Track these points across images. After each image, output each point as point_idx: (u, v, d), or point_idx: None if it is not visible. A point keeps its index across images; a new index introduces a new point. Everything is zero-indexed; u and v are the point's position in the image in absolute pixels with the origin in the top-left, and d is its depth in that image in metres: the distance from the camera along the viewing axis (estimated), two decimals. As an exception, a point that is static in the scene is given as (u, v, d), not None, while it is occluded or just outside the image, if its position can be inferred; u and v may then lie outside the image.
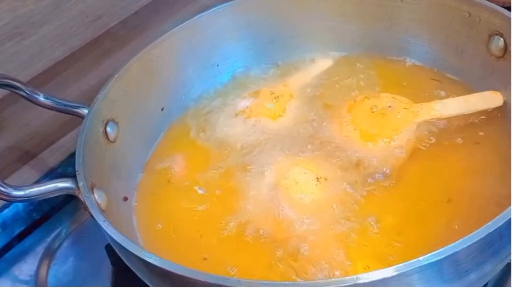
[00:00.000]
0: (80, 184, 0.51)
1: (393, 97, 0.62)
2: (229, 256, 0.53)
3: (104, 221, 0.48)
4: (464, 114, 0.60)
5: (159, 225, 0.57)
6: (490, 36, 0.61)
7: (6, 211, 0.67)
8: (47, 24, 0.64)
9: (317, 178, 0.56)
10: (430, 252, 0.39)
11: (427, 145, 0.59)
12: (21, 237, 0.68)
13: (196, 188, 0.60)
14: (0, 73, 0.59)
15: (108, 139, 0.60)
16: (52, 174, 0.70)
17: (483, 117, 0.60)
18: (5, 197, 0.51)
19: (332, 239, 0.52)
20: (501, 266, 0.47)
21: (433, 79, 0.66)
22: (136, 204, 0.60)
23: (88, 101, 0.60)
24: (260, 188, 0.57)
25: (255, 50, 0.73)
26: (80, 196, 0.51)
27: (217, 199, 0.58)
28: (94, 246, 0.63)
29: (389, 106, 0.61)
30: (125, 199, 0.59)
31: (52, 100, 0.60)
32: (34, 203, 0.69)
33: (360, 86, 0.67)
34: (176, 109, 0.69)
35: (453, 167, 0.57)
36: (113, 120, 0.61)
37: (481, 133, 0.59)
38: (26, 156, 0.68)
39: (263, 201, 0.56)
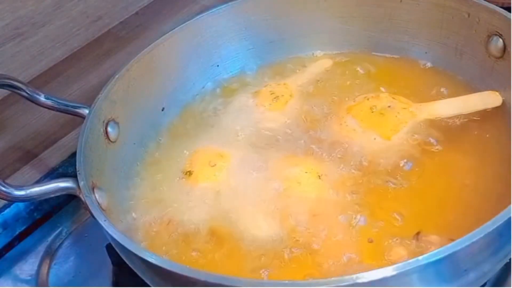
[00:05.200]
0: (81, 184, 0.51)
1: (392, 97, 0.62)
2: (233, 259, 0.53)
3: (104, 220, 0.48)
4: (463, 114, 0.60)
5: (160, 225, 0.57)
6: (489, 36, 0.61)
7: (7, 210, 0.67)
8: (48, 24, 0.64)
9: (319, 176, 0.57)
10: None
11: (426, 144, 0.59)
12: (22, 236, 0.68)
13: (197, 188, 0.60)
14: (1, 74, 0.59)
15: (109, 139, 0.60)
16: (53, 174, 0.70)
17: (482, 117, 0.60)
18: (6, 197, 0.51)
19: (342, 234, 0.52)
20: (500, 265, 0.47)
21: (432, 80, 0.66)
22: (137, 203, 0.60)
23: (89, 101, 0.60)
24: (262, 189, 0.57)
25: (255, 50, 0.73)
26: (81, 195, 0.51)
27: (218, 200, 0.58)
28: (94, 246, 0.64)
29: (389, 106, 0.61)
30: None
31: (53, 100, 0.60)
32: (35, 203, 0.69)
33: (360, 86, 0.67)
34: (176, 109, 0.70)
35: (452, 166, 0.57)
36: (113, 120, 0.61)
37: (480, 133, 0.59)
38: (27, 156, 0.69)
39: (266, 204, 0.56)
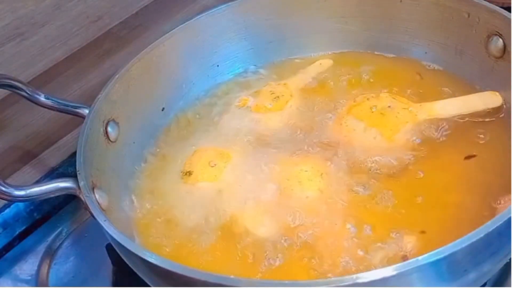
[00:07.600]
0: (81, 184, 0.51)
1: (392, 97, 0.62)
2: (233, 259, 0.53)
3: (104, 220, 0.48)
4: (463, 114, 0.60)
5: (160, 224, 0.57)
6: (489, 36, 0.61)
7: (7, 210, 0.67)
8: (48, 24, 0.64)
9: (320, 175, 0.57)
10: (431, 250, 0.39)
11: (426, 144, 0.59)
12: (22, 236, 0.68)
13: (197, 188, 0.60)
14: (1, 74, 0.59)
15: (109, 139, 0.60)
16: (53, 174, 0.70)
17: (482, 117, 0.60)
18: (6, 197, 0.51)
19: (343, 232, 0.52)
20: (500, 265, 0.48)
21: (432, 80, 0.67)
22: (137, 203, 0.60)
23: (89, 101, 0.60)
24: (263, 189, 0.57)
25: (255, 50, 0.73)
26: (81, 195, 0.51)
27: (218, 200, 0.58)
28: (94, 246, 0.64)
29: (389, 106, 0.61)
30: None
31: (53, 100, 0.60)
32: (35, 203, 0.69)
33: (360, 86, 0.67)
34: (176, 109, 0.70)
35: (452, 166, 0.57)
36: (113, 120, 0.61)
37: (480, 133, 0.59)
38: (27, 156, 0.69)
39: (267, 203, 0.56)
